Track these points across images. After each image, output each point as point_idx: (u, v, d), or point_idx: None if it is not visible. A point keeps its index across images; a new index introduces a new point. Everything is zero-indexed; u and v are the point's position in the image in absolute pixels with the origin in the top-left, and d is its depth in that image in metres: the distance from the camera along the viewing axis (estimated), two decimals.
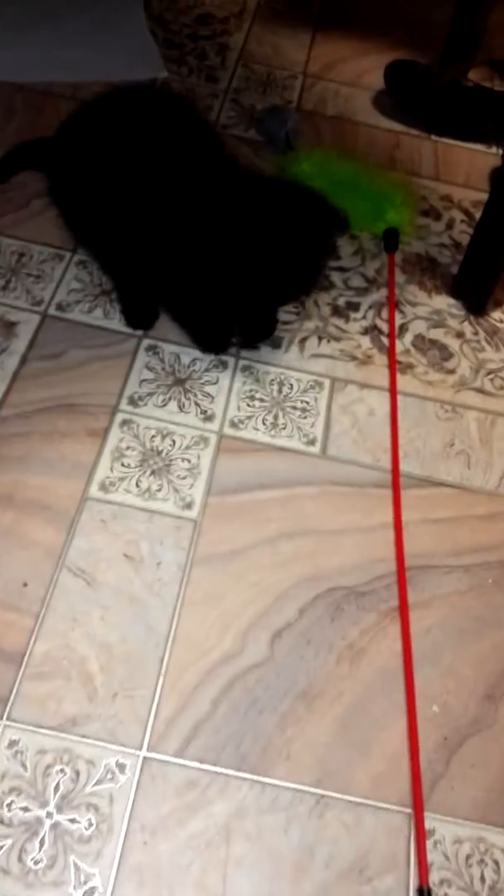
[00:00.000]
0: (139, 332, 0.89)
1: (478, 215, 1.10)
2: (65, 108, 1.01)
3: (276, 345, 0.91)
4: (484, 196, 1.00)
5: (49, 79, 1.15)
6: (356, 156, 1.11)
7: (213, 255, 0.75)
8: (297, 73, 1.29)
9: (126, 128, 0.76)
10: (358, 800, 0.62)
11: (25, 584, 0.69)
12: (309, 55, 1.32)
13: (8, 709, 0.62)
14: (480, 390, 0.90)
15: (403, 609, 0.72)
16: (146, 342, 0.89)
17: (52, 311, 0.90)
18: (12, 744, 0.61)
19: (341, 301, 0.97)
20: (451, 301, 0.99)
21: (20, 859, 0.57)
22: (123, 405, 0.83)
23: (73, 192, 0.79)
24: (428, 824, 0.62)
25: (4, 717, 0.62)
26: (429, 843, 0.61)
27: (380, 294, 0.99)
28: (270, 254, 0.74)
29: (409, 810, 0.62)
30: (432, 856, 0.60)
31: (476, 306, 0.98)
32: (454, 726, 0.67)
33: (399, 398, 0.88)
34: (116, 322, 0.90)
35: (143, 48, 1.25)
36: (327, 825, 0.61)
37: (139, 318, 0.89)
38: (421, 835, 0.61)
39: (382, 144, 1.19)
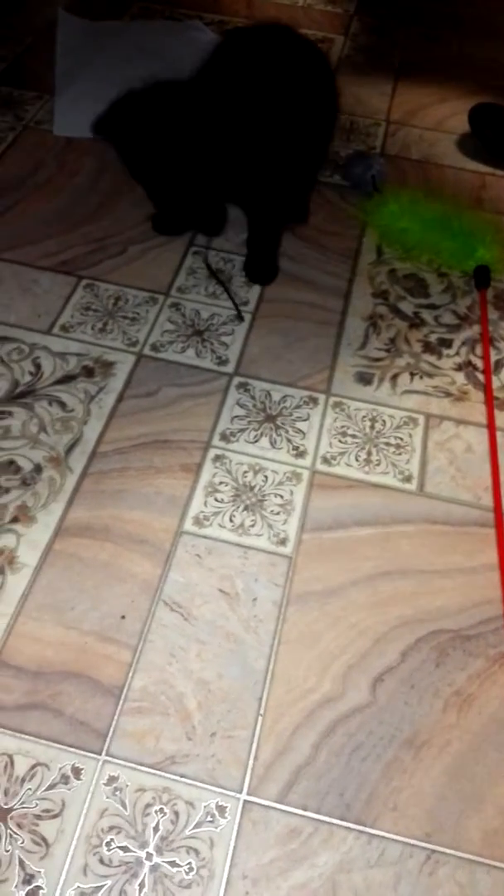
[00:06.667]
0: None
1: None
2: None
3: (367, 381, 0.90)
4: None
5: None
6: (443, 196, 1.11)
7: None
8: (380, 121, 1.31)
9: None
10: (471, 857, 0.58)
11: (123, 617, 0.69)
12: (391, 103, 1.35)
13: (107, 744, 0.61)
14: None
15: None
16: (237, 380, 0.89)
17: (146, 351, 0.92)
18: (111, 780, 0.60)
19: (433, 338, 0.96)
20: None
21: None
22: (216, 441, 0.83)
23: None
24: None
25: (104, 752, 0.61)
26: None
27: (472, 331, 0.97)
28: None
29: None
30: None
31: None
32: None
33: (498, 435, 0.85)
34: (209, 361, 0.91)
35: None
36: (440, 884, 0.57)
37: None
38: None
39: (469, 185, 1.19)
